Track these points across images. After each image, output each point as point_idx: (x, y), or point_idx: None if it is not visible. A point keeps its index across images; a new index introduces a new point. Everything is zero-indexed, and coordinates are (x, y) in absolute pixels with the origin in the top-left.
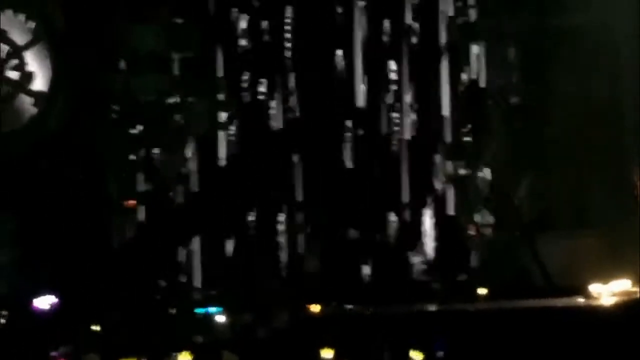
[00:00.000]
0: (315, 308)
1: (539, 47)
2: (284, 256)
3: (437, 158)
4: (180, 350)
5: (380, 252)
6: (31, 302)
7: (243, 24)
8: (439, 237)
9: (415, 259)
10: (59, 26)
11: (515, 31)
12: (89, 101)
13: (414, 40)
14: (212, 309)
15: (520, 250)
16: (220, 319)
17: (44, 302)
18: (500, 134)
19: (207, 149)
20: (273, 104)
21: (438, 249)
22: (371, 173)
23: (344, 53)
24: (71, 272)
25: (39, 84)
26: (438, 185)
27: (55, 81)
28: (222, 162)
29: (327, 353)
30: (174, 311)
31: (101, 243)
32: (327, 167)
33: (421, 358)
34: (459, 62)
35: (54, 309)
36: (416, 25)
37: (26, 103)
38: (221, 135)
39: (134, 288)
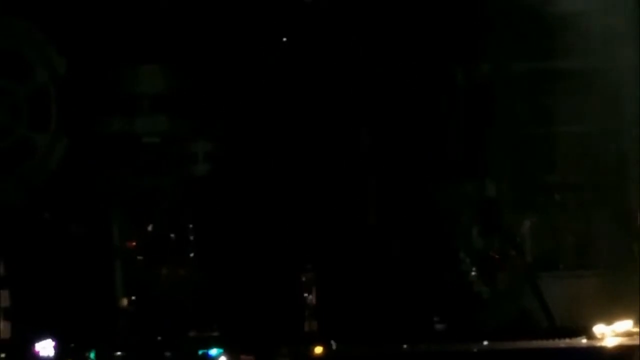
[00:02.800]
0: (317, 349)
1: (542, 89)
2: (286, 297)
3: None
4: None
5: (382, 290)
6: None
7: None
8: (441, 276)
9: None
10: (60, 71)
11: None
12: (91, 144)
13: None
14: (213, 351)
15: (524, 291)
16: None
17: (44, 346)
18: (505, 174)
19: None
20: None
21: (440, 288)
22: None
23: None
24: (73, 316)
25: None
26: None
27: (57, 125)
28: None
29: None
30: (175, 353)
31: (104, 287)
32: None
33: None
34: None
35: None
36: None
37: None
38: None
39: (136, 330)
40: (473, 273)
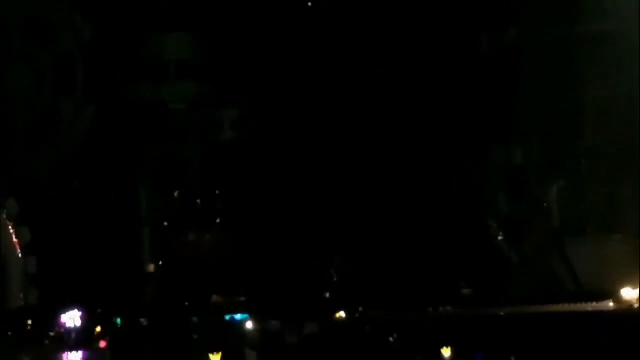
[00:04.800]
0: (342, 315)
1: (570, 55)
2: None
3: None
4: (210, 352)
5: (411, 259)
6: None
7: None
8: (471, 243)
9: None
10: (86, 37)
11: (546, 40)
12: (117, 112)
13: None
14: (238, 316)
15: (551, 256)
16: (248, 325)
17: (72, 316)
18: (533, 140)
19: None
20: None
21: (470, 255)
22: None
23: None
24: (100, 283)
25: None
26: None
27: (83, 92)
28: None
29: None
30: (202, 317)
31: (131, 253)
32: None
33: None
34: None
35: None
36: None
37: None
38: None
39: (162, 296)
40: (500, 238)
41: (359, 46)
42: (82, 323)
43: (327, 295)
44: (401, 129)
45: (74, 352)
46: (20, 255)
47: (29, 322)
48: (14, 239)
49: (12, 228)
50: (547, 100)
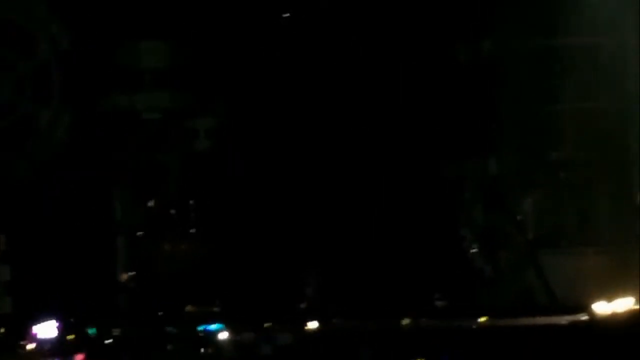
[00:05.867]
0: (314, 325)
1: (546, 67)
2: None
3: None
4: None
5: (384, 270)
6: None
7: None
8: (445, 254)
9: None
10: (64, 46)
11: (522, 51)
12: (93, 121)
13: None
14: (213, 326)
15: (525, 268)
16: (223, 335)
17: (46, 327)
18: (507, 151)
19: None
20: None
21: (444, 266)
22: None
23: None
24: (73, 292)
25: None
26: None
27: (60, 101)
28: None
29: None
30: (176, 328)
31: (104, 264)
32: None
33: None
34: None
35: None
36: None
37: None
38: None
39: (138, 304)
40: (475, 250)
41: (334, 60)
42: (57, 333)
43: (301, 305)
44: (375, 139)
45: None
46: None
47: (1, 330)
48: None
49: None
50: (522, 112)
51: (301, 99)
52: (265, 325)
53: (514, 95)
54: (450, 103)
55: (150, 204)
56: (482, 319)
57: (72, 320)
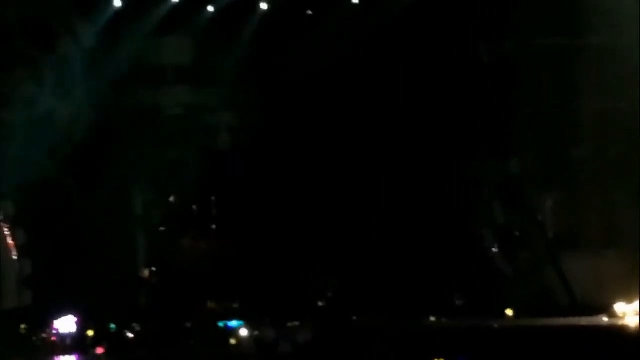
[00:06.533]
0: (336, 322)
1: (567, 66)
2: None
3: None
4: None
5: (405, 269)
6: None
7: None
8: (465, 254)
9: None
10: (86, 41)
11: (543, 51)
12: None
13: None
14: (233, 323)
15: (545, 268)
16: (243, 332)
17: (66, 321)
18: (528, 150)
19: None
20: None
21: (464, 266)
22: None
23: None
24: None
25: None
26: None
27: (80, 96)
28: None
29: None
30: (196, 324)
31: (125, 260)
32: None
33: None
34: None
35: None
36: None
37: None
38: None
39: (158, 300)
40: (495, 250)
41: (355, 57)
42: (76, 328)
43: (321, 303)
44: (396, 138)
45: (68, 357)
46: (15, 256)
47: (23, 324)
48: (9, 241)
49: (8, 230)
50: (543, 111)
51: (321, 98)
52: (285, 322)
53: (535, 94)
54: (471, 102)
55: (171, 200)
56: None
57: (92, 315)
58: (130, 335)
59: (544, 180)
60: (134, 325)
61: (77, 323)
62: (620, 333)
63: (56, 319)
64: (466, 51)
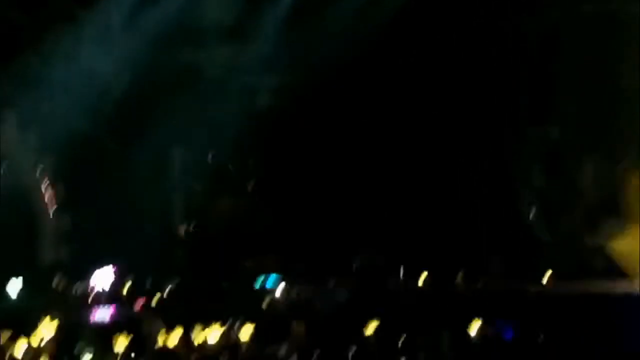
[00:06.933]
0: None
1: (612, 34)
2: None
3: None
4: (244, 319)
5: (444, 232)
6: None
7: None
8: (504, 219)
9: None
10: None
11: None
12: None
13: None
14: (270, 281)
15: (585, 235)
16: (280, 290)
17: (104, 275)
18: (570, 117)
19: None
20: None
21: (503, 230)
22: None
23: None
24: (132, 243)
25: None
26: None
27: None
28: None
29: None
30: (233, 282)
31: (166, 217)
32: None
33: (479, 330)
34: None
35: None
36: None
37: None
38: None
39: (195, 259)
40: (534, 215)
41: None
42: (114, 282)
43: (358, 263)
44: (437, 103)
45: (105, 310)
46: (53, 211)
47: (60, 278)
48: (48, 195)
49: (47, 184)
50: (586, 78)
51: (367, 63)
52: (322, 281)
53: (577, 61)
54: (513, 69)
55: (210, 160)
56: (544, 280)
57: (129, 270)
58: (168, 291)
59: (584, 147)
60: (172, 281)
61: (114, 277)
62: None
63: (94, 273)
64: (507, 18)
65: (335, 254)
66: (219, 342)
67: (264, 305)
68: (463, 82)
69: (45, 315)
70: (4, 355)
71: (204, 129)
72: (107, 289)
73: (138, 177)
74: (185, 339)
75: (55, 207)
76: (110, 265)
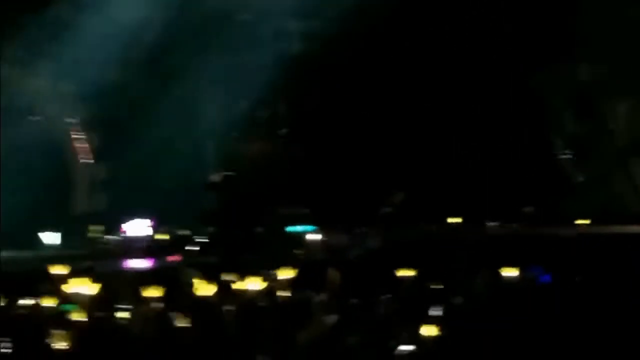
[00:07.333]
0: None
1: None
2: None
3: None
4: (280, 265)
5: (474, 175)
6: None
7: None
8: (535, 161)
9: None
10: None
11: None
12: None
13: None
14: (304, 228)
15: (616, 176)
16: (313, 237)
17: (138, 225)
18: (600, 57)
19: None
20: None
21: (533, 173)
22: None
23: None
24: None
25: None
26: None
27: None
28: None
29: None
30: (266, 229)
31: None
32: None
33: (514, 275)
34: None
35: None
36: None
37: None
38: None
39: (228, 207)
40: (565, 157)
41: None
42: (148, 232)
43: (389, 210)
44: (466, 44)
45: (140, 261)
46: (88, 161)
47: (96, 228)
48: (83, 145)
49: (82, 134)
50: (616, 17)
51: (403, 17)
52: (354, 228)
53: (606, 2)
54: (543, 7)
55: (242, 105)
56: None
57: (164, 219)
58: (202, 240)
59: (615, 88)
60: (206, 230)
61: (149, 227)
62: None
63: (128, 222)
64: None
65: (367, 201)
66: (256, 290)
67: (299, 253)
68: (492, 25)
69: (80, 266)
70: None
71: (235, 75)
72: (142, 240)
73: (171, 126)
74: (222, 287)
75: (90, 157)
76: (144, 216)
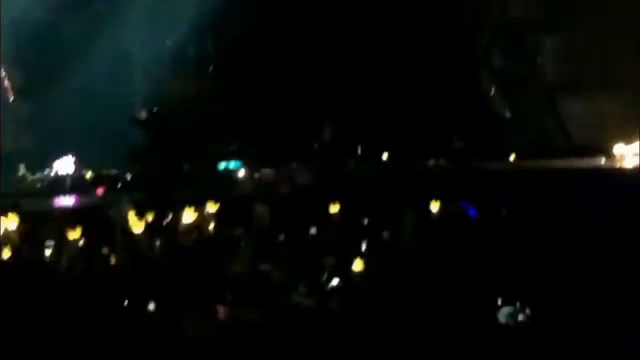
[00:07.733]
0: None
1: None
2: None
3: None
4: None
5: (403, 110)
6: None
7: None
8: (463, 96)
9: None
10: None
11: None
12: None
13: None
14: (232, 164)
15: (544, 111)
16: (241, 173)
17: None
18: None
19: None
20: None
21: (462, 108)
22: None
23: None
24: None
25: None
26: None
27: None
28: None
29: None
30: (195, 166)
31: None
32: None
33: (442, 209)
34: None
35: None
36: None
37: None
38: None
39: (156, 143)
40: (493, 92)
41: None
42: (75, 169)
43: (319, 145)
44: None
45: (67, 198)
46: (12, 98)
47: (22, 166)
48: (7, 82)
49: (5, 72)
50: None
51: None
52: (283, 163)
53: None
54: None
55: (171, 42)
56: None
57: (90, 156)
58: (129, 176)
59: (543, 23)
60: (133, 166)
61: (75, 164)
62: (618, 174)
63: (55, 160)
64: None
65: (297, 137)
66: (184, 225)
67: (227, 189)
68: None
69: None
70: None
71: (163, 11)
72: (68, 177)
73: (98, 63)
74: (151, 222)
75: (14, 94)
76: (72, 154)
